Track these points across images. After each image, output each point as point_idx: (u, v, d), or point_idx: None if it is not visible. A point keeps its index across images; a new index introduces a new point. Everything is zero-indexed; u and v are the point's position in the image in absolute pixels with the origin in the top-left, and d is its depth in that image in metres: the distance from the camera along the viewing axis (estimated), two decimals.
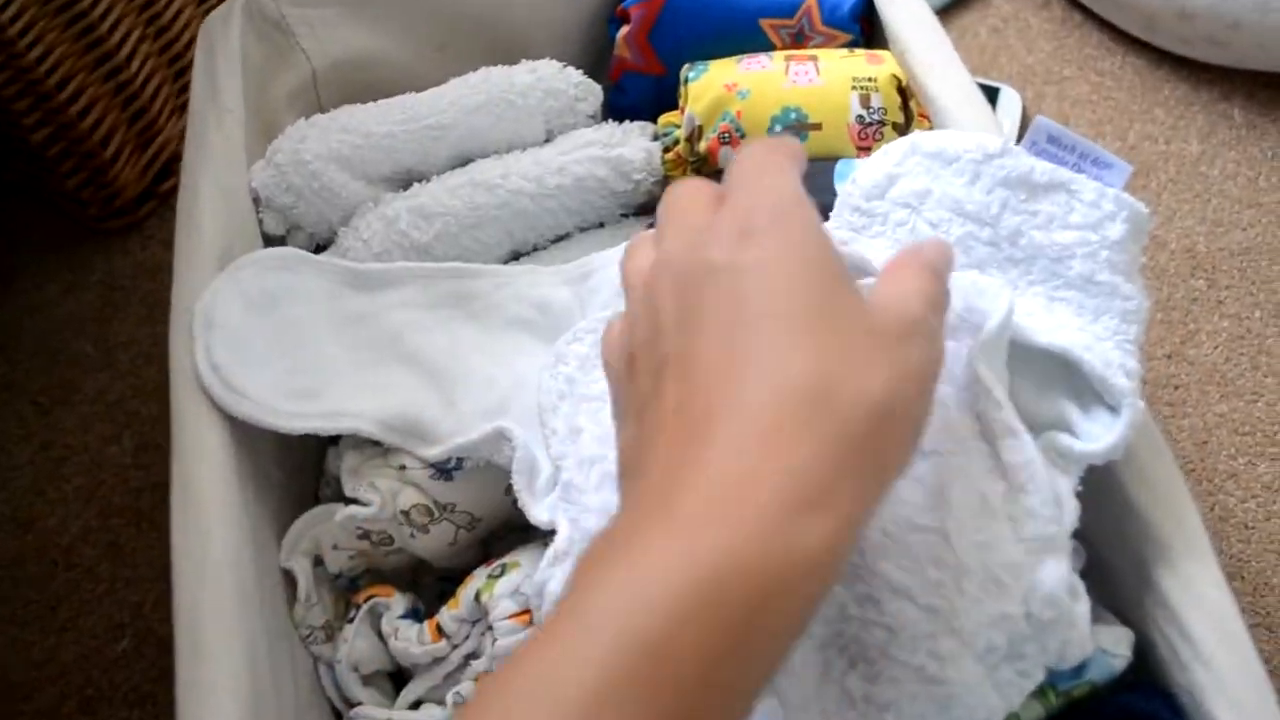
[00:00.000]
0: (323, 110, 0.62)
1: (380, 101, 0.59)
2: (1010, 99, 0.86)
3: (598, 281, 0.53)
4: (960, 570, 0.37)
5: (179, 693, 0.42)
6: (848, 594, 0.38)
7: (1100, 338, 0.43)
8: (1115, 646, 0.44)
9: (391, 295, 0.53)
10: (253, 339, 0.51)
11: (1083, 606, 0.39)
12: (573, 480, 0.45)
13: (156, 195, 0.90)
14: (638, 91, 0.65)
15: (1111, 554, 0.46)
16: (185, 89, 0.86)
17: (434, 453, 0.50)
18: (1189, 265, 0.78)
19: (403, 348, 0.52)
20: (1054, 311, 0.44)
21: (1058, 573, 0.37)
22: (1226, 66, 0.86)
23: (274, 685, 0.45)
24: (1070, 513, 0.40)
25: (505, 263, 0.58)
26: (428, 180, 0.57)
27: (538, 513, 0.47)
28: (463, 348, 0.52)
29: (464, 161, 0.58)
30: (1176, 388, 0.73)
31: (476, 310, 0.54)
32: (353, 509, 0.51)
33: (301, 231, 0.58)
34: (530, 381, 0.51)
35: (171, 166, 0.89)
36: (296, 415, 0.50)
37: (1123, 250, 0.44)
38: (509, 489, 0.49)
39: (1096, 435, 0.42)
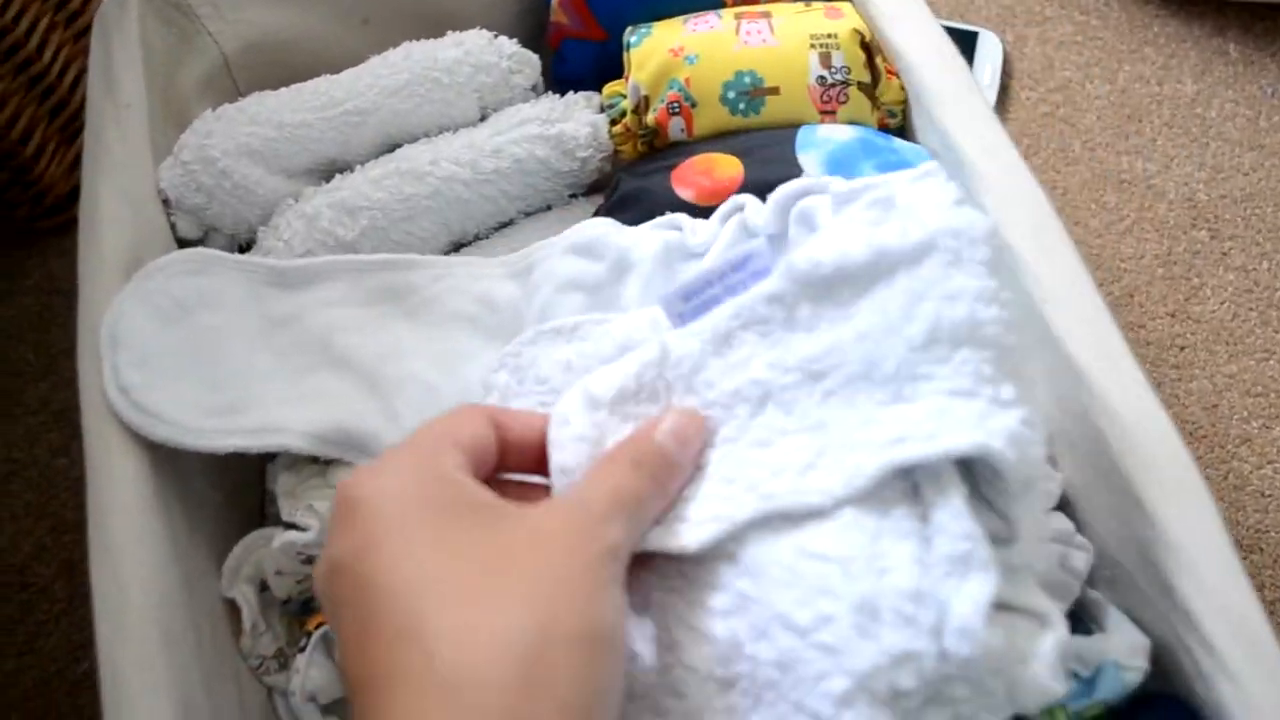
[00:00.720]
0: (241, 96, 0.57)
1: (293, 87, 0.54)
2: (990, 44, 0.80)
3: (540, 275, 0.48)
4: (854, 602, 0.31)
5: None
6: (742, 625, 0.33)
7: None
8: (1130, 659, 0.40)
9: (318, 293, 0.49)
10: (165, 354, 0.47)
11: (1046, 639, 0.33)
12: None
13: None
14: (580, 60, 0.60)
15: (1124, 556, 0.42)
16: None
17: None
18: (1189, 216, 0.73)
19: (334, 351, 0.48)
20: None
21: (975, 599, 0.30)
22: None
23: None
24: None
25: (445, 253, 0.53)
26: (351, 171, 0.52)
27: None
28: (400, 349, 0.48)
29: (390, 148, 0.53)
30: (1182, 348, 0.68)
31: (414, 306, 0.49)
32: (291, 535, 0.47)
33: (219, 234, 0.53)
34: (475, 387, 0.47)
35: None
36: (219, 432, 0.46)
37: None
38: None
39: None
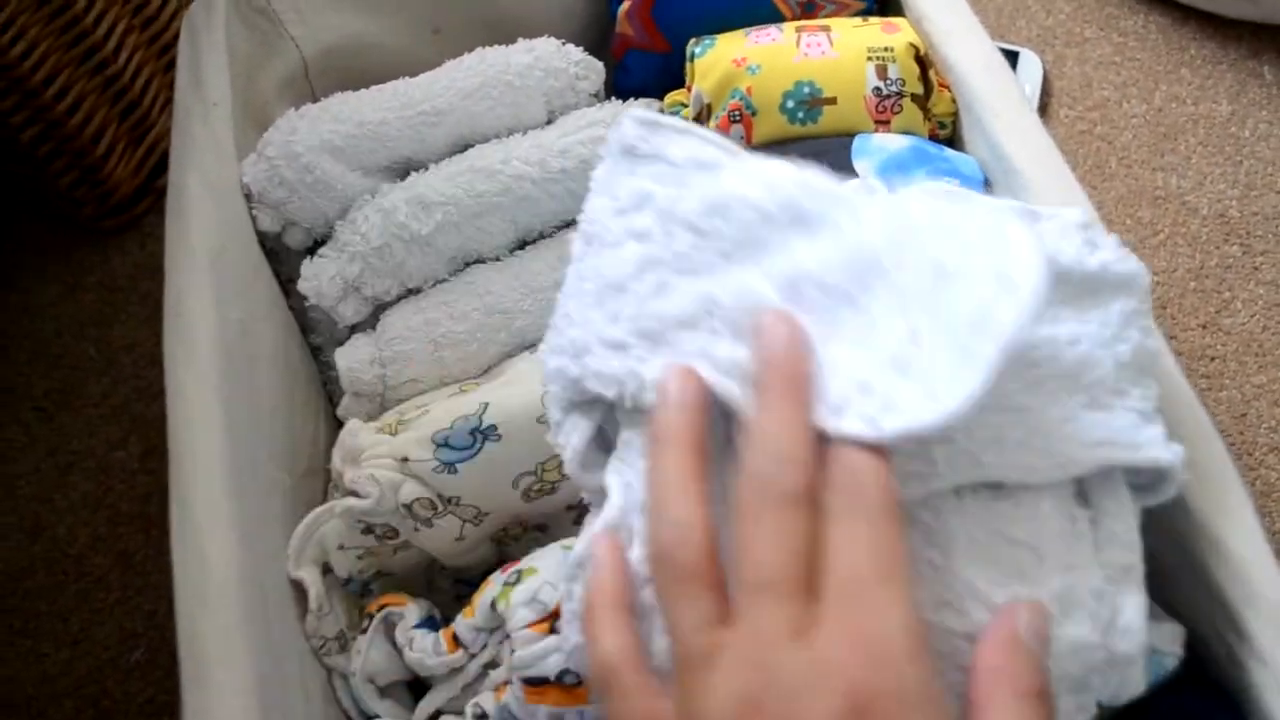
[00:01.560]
0: (316, 100, 0.60)
1: (373, 88, 0.57)
2: (1030, 63, 0.82)
3: None
4: (1055, 591, 0.34)
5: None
6: (925, 594, 0.35)
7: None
8: (1168, 645, 0.42)
9: None
10: None
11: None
12: (632, 440, 0.37)
13: (153, 191, 0.88)
14: (643, 70, 0.62)
15: (1161, 548, 0.44)
16: None
17: None
18: (1222, 231, 0.75)
19: None
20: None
21: (1137, 603, 0.35)
22: (1255, 22, 0.82)
23: (282, 704, 0.43)
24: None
25: (511, 251, 0.56)
26: (425, 169, 0.54)
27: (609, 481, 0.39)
28: None
29: (463, 148, 0.56)
30: (1213, 359, 0.70)
31: None
32: (350, 500, 0.49)
33: (298, 227, 0.55)
34: None
35: (167, 161, 0.86)
36: None
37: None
38: (515, 481, 0.46)
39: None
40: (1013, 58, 0.82)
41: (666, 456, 0.32)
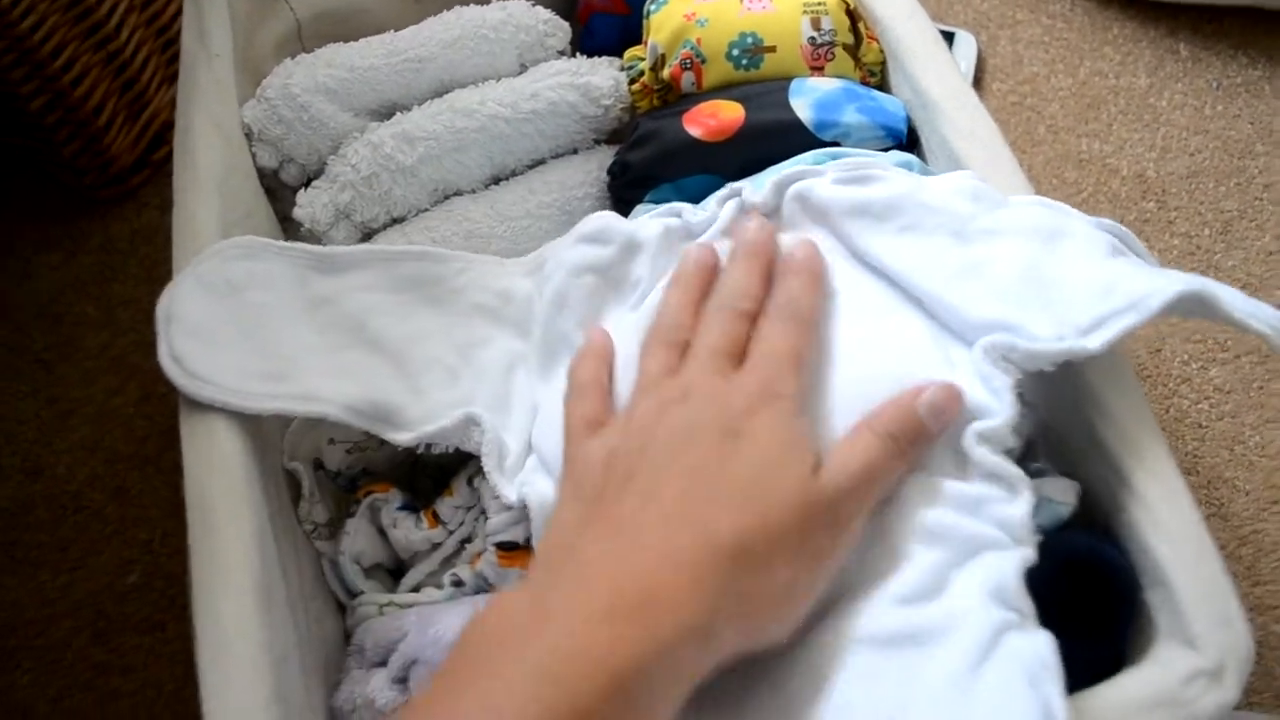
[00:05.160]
0: None
1: (362, 40, 0.63)
2: (966, 42, 0.89)
3: (552, 266, 0.54)
4: None
5: (192, 564, 0.45)
6: None
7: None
8: (1062, 496, 0.47)
9: (355, 278, 0.54)
10: (215, 327, 0.51)
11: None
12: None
13: (150, 164, 0.93)
14: (605, 32, 0.69)
15: (1057, 414, 0.50)
16: (173, 60, 0.90)
17: (404, 438, 0.51)
18: (1140, 189, 0.82)
19: (367, 332, 0.53)
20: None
21: None
22: (1173, 2, 0.90)
23: (280, 566, 0.48)
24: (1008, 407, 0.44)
25: (487, 186, 0.62)
26: (410, 110, 0.61)
27: (509, 492, 0.49)
28: (425, 333, 0.53)
29: (443, 92, 0.62)
30: None
31: (439, 295, 0.54)
32: None
33: (294, 163, 0.61)
34: (491, 371, 0.53)
35: (163, 136, 0.92)
36: (265, 396, 0.49)
37: None
38: None
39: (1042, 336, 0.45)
40: (950, 38, 0.89)
41: (679, 283, 0.49)
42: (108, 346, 0.85)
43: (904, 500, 0.43)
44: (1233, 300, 0.45)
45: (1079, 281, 0.46)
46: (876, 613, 0.41)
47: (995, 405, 0.44)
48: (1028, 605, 0.40)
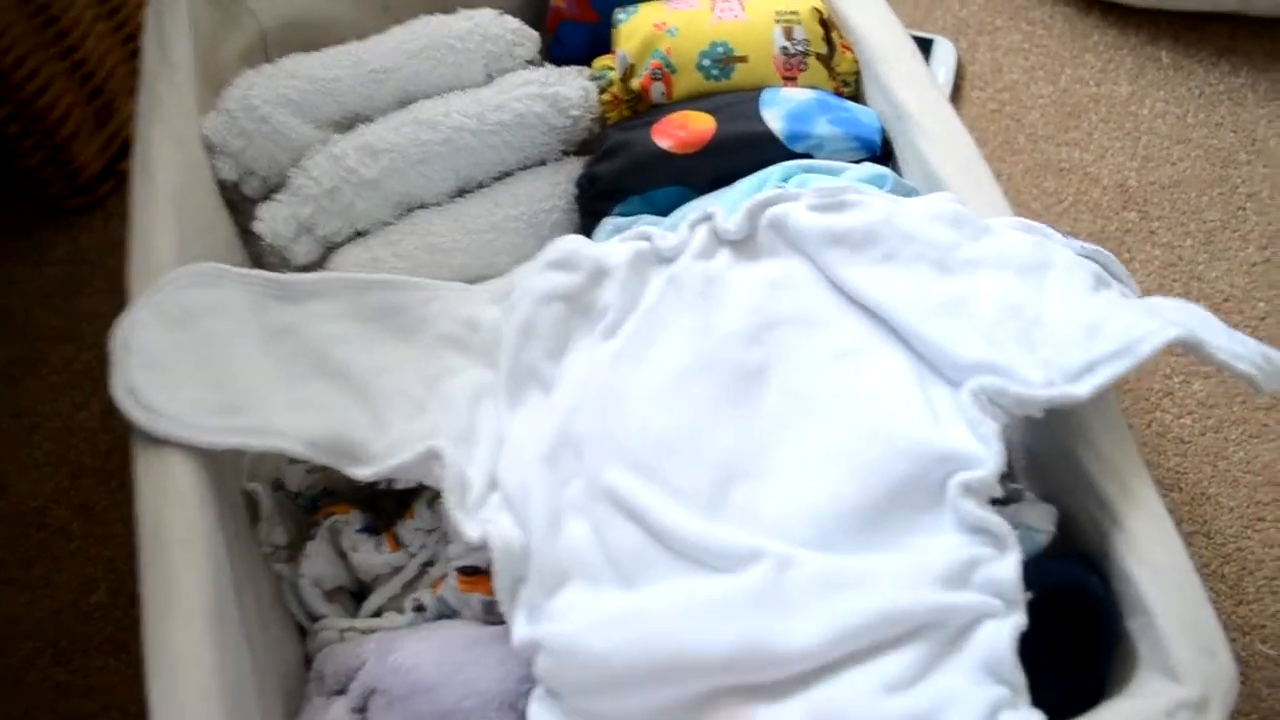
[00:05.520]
0: None
1: (324, 50, 0.62)
2: (945, 49, 0.88)
3: (520, 293, 0.53)
4: None
5: (144, 591, 0.44)
6: None
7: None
8: (1040, 523, 0.46)
9: (317, 307, 0.52)
10: (172, 358, 0.50)
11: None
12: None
13: (117, 173, 0.91)
14: (574, 41, 0.68)
15: (1039, 444, 0.49)
16: None
17: (365, 473, 0.49)
18: (1121, 199, 0.81)
19: (329, 363, 0.51)
20: None
21: None
22: (1153, 9, 0.89)
23: (235, 591, 0.47)
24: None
25: (452, 198, 0.60)
26: (373, 121, 0.59)
27: (470, 530, 0.47)
28: (390, 364, 0.52)
29: (408, 103, 0.60)
30: None
31: (406, 324, 0.53)
32: None
33: (254, 176, 0.60)
34: (457, 403, 0.51)
35: (130, 145, 0.90)
36: (219, 430, 0.48)
37: None
38: None
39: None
40: (928, 45, 0.88)
41: None
42: (72, 360, 0.84)
43: (889, 597, 0.41)
44: (1218, 343, 0.45)
45: (1064, 321, 0.45)
46: (867, 706, 0.39)
47: (982, 453, 0.43)
48: (1020, 679, 0.39)
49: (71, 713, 0.68)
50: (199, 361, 0.50)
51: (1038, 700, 0.40)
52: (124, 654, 0.70)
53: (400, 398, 0.51)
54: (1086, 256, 0.49)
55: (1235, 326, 0.50)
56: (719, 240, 0.52)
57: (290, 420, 0.49)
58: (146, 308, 0.51)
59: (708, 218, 0.52)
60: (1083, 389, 0.43)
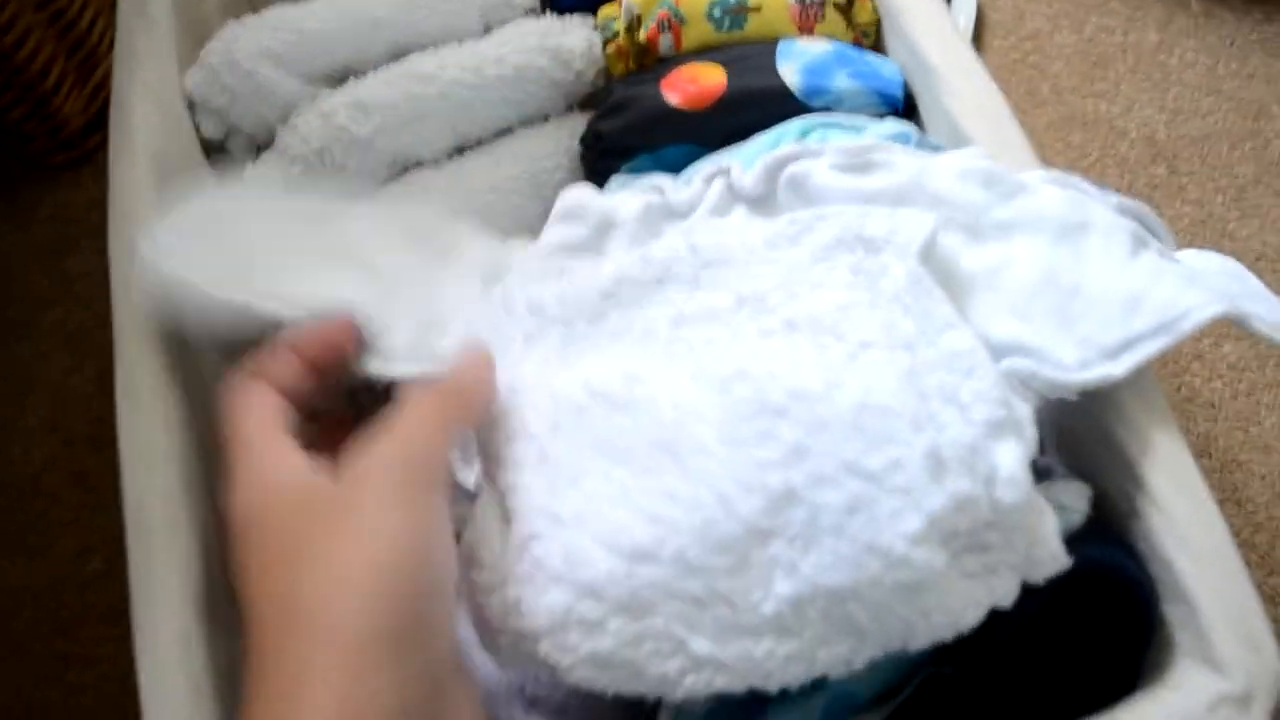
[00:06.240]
0: None
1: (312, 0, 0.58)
2: None
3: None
4: (924, 449, 0.36)
5: (131, 575, 0.43)
6: (798, 474, 0.37)
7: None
8: (1074, 501, 0.44)
9: (357, 208, 0.50)
10: (195, 253, 0.46)
11: (1049, 520, 0.38)
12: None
13: (102, 127, 0.87)
14: None
15: (1071, 418, 0.46)
16: None
17: (371, 366, 0.45)
18: (1149, 153, 0.78)
19: (358, 255, 0.48)
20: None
21: (1015, 454, 0.37)
22: None
23: (224, 576, 0.45)
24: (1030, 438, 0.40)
25: (450, 156, 0.57)
26: (364, 76, 0.56)
27: (464, 477, 0.46)
28: (426, 280, 0.49)
29: (400, 56, 0.57)
30: None
31: (434, 251, 0.50)
32: None
33: (240, 133, 0.57)
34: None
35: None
36: (228, 286, 0.44)
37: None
38: None
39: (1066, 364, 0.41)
40: None
41: None
42: (63, 322, 0.82)
43: None
44: (1264, 315, 0.42)
45: (1103, 292, 0.42)
46: None
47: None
48: None
49: (73, 684, 0.68)
50: (221, 249, 0.46)
51: (1070, 688, 0.38)
52: (124, 622, 0.68)
53: (426, 310, 0.47)
54: (1123, 213, 0.46)
55: (1268, 286, 0.47)
56: (735, 196, 0.49)
57: (303, 288, 0.45)
58: (173, 216, 0.47)
59: (724, 172, 0.49)
60: (1120, 368, 0.41)
